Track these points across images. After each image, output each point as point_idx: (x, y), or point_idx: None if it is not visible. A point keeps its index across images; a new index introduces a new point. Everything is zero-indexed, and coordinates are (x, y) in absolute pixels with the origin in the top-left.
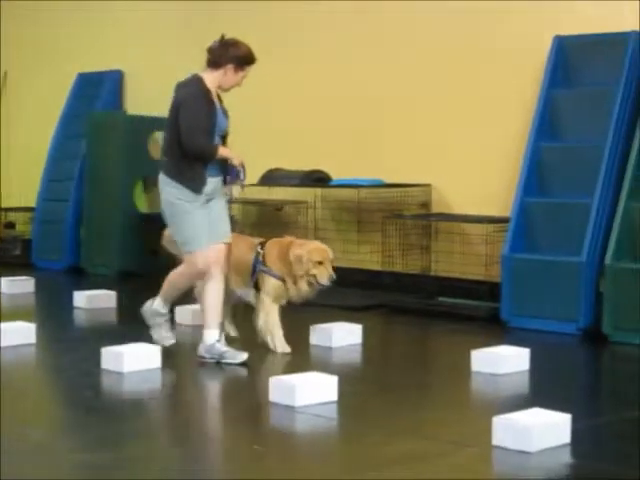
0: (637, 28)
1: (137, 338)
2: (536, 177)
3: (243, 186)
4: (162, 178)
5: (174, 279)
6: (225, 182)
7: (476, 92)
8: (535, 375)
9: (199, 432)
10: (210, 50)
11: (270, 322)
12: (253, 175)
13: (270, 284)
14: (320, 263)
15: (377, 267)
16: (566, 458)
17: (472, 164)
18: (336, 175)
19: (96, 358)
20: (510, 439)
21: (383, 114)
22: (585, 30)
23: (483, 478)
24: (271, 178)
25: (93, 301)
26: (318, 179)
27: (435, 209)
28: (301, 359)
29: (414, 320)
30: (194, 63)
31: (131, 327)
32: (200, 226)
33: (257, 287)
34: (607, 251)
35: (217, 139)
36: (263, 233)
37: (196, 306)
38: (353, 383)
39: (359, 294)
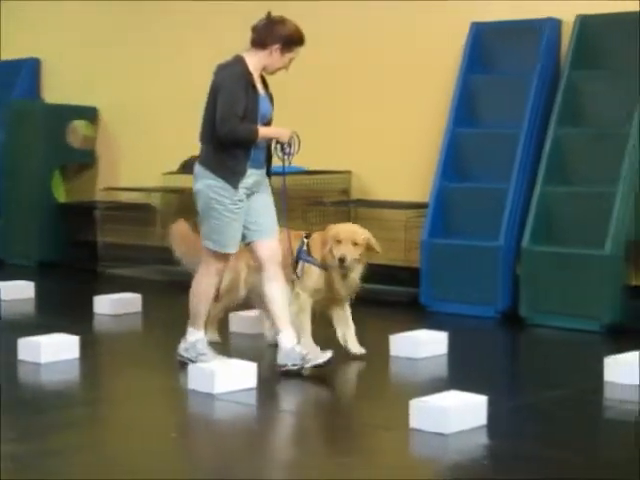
0: (553, 15)
1: (55, 328)
2: (454, 163)
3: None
4: (198, 169)
5: (202, 291)
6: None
7: (394, 79)
8: (453, 359)
9: (117, 422)
10: (255, 29)
11: (301, 320)
12: (174, 163)
13: (309, 273)
14: (339, 242)
15: None
16: (482, 439)
17: (391, 151)
18: None
19: (13, 349)
20: (427, 422)
21: (303, 102)
22: (502, 17)
23: (401, 460)
24: (190, 166)
25: (11, 292)
26: None
27: (355, 195)
28: (221, 346)
29: None
30: (112, 51)
31: (49, 317)
32: (237, 230)
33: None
34: (524, 235)
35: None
36: (185, 221)
37: None
38: (273, 369)
39: None
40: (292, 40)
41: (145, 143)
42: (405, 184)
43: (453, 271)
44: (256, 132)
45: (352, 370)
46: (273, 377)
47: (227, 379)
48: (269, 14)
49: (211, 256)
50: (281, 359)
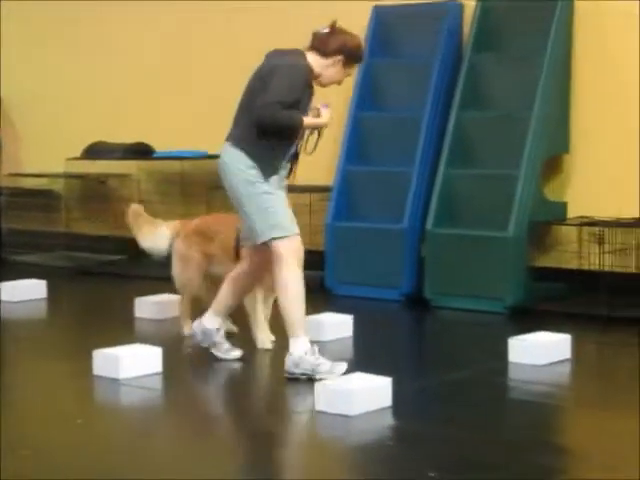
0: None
1: None
2: (358, 146)
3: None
4: (233, 151)
5: (241, 283)
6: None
7: None
8: (358, 341)
9: (21, 409)
10: (318, 36)
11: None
12: (78, 148)
13: None
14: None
15: None
16: (387, 420)
17: None
18: (160, 147)
19: None
20: (332, 404)
21: (206, 86)
22: (404, 1)
23: (306, 442)
24: (94, 151)
25: None
26: (141, 151)
27: None
28: (126, 332)
29: None
30: (13, 38)
31: None
32: (286, 210)
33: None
34: (427, 218)
35: None
36: (87, 207)
37: None
38: (178, 354)
39: None
40: (356, 55)
41: (48, 129)
42: (309, 168)
43: (358, 254)
44: (301, 120)
45: (257, 354)
46: (179, 362)
47: (132, 364)
48: (335, 23)
49: (279, 247)
50: (290, 366)
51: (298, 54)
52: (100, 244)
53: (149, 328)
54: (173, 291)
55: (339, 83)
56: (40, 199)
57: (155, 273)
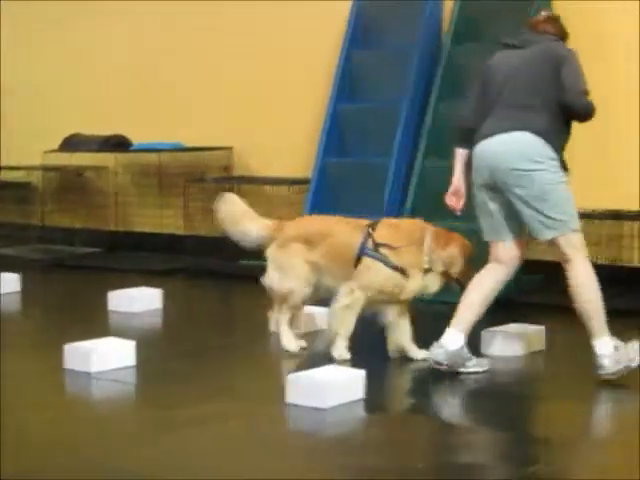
0: None
1: None
2: (336, 138)
3: None
4: (535, 140)
5: (491, 286)
6: None
7: (276, 54)
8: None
9: None
10: (552, 21)
11: (346, 318)
12: (55, 141)
13: (375, 272)
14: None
15: (180, 231)
16: (360, 412)
17: (273, 126)
18: (137, 140)
19: None
20: (304, 396)
21: (182, 78)
22: None
23: (278, 435)
24: (71, 144)
25: None
26: (118, 144)
27: (237, 172)
28: (99, 325)
29: (216, 283)
30: None
31: None
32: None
33: None
34: (405, 208)
35: None
36: (64, 199)
37: None
38: (152, 348)
39: (161, 258)
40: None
41: (25, 122)
42: (287, 160)
43: None
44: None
45: (233, 347)
46: (152, 355)
47: (104, 358)
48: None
49: (577, 240)
50: (444, 357)
51: (557, 39)
52: (75, 237)
53: (122, 321)
54: (149, 284)
55: None
56: (17, 192)
57: (129, 266)
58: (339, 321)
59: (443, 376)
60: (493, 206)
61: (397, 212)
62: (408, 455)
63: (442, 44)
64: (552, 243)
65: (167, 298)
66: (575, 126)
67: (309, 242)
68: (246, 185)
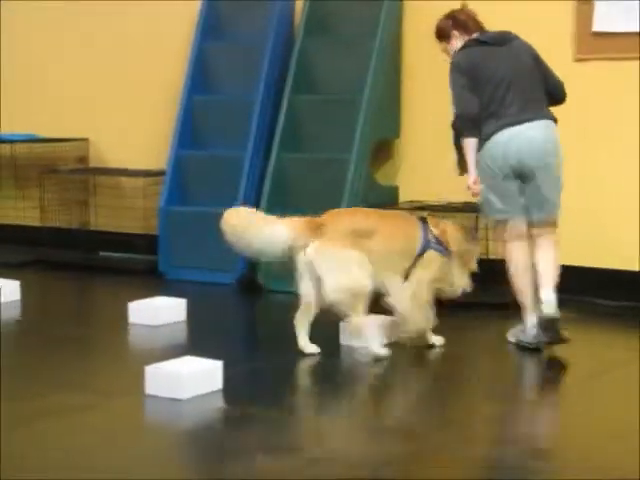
0: None
1: None
2: (190, 130)
3: None
4: (550, 124)
5: (529, 263)
6: None
7: (130, 44)
8: (191, 325)
9: None
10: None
11: (429, 311)
12: None
13: (444, 268)
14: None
15: (36, 223)
16: (218, 403)
17: (128, 118)
18: None
19: None
20: (161, 387)
21: (37, 68)
22: None
23: (135, 426)
24: None
25: None
26: None
27: (93, 163)
28: None
29: (73, 275)
30: None
31: None
32: None
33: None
34: (261, 201)
35: None
36: None
37: None
38: (9, 339)
39: (16, 250)
40: None
41: None
42: (142, 152)
43: (191, 238)
44: None
45: (91, 338)
46: (8, 347)
47: None
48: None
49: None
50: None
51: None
52: None
53: None
54: (5, 276)
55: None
56: None
57: None
58: (423, 316)
59: (301, 368)
60: (513, 186)
61: (253, 204)
62: (264, 448)
63: (295, 36)
64: (548, 221)
65: (24, 290)
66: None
67: (360, 236)
68: (101, 176)
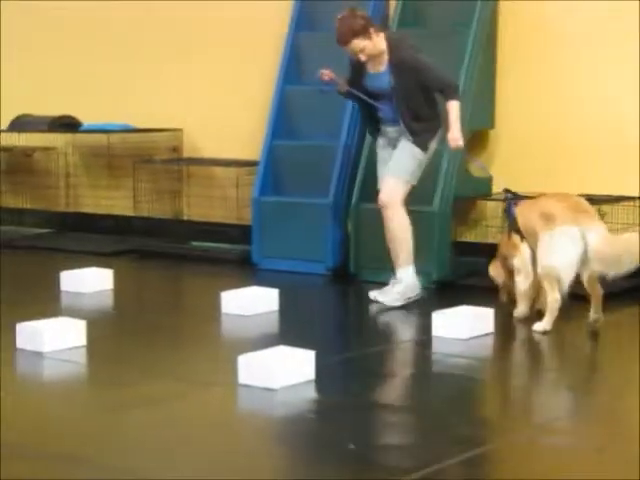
0: None
1: None
2: (284, 120)
3: None
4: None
5: None
6: None
7: (224, 36)
8: (284, 315)
9: None
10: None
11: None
12: (3, 122)
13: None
14: None
15: (129, 213)
16: (310, 394)
17: (222, 108)
18: (87, 120)
19: None
20: (254, 377)
21: (132, 58)
22: None
23: (228, 415)
24: (20, 124)
25: None
26: (67, 124)
27: (186, 154)
28: (50, 305)
29: (166, 265)
30: None
31: None
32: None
33: None
34: (353, 193)
35: None
36: (13, 180)
37: None
38: (104, 328)
39: (110, 240)
40: None
41: None
42: (236, 142)
43: (284, 229)
44: None
45: (184, 327)
46: (103, 335)
47: (56, 337)
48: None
49: None
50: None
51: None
52: (25, 217)
53: (73, 301)
54: (96, 264)
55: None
56: None
57: (79, 247)
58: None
59: (395, 358)
60: None
61: (345, 195)
62: (355, 437)
63: None
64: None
65: (117, 279)
66: None
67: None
68: (194, 166)
